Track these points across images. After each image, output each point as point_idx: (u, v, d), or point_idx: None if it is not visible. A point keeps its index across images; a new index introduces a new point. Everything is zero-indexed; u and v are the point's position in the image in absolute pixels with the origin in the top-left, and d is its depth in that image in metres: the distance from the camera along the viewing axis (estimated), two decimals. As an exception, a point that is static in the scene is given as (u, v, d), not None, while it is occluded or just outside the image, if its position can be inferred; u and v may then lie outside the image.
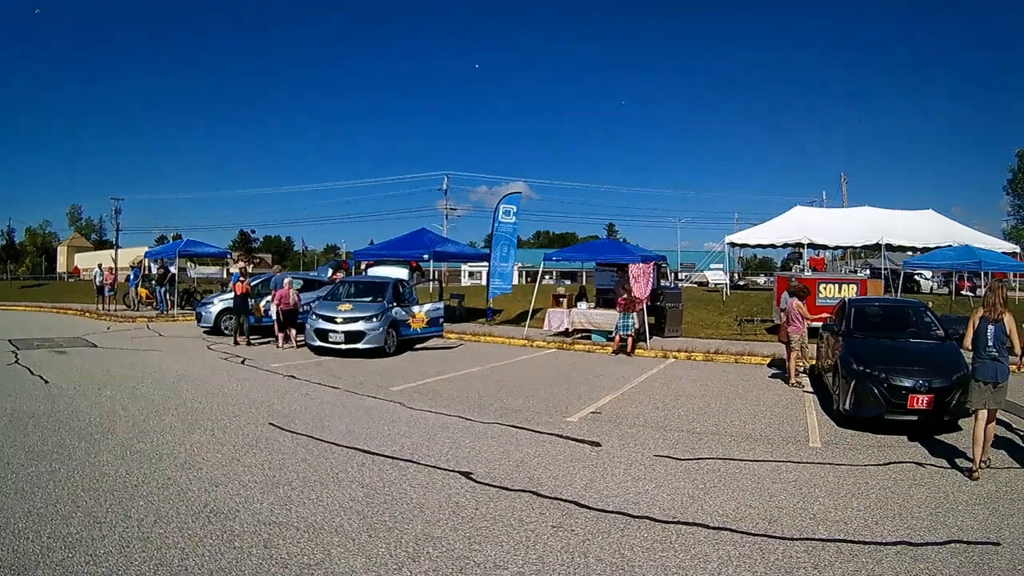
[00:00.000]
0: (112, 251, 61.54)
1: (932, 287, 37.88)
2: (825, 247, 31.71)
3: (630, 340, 15.78)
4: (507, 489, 6.06)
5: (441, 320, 17.94)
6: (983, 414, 6.77)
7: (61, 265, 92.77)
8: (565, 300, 19.13)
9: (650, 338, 16.92)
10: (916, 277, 28.07)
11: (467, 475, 6.46)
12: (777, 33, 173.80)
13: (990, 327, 6.83)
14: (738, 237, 30.32)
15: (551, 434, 8.04)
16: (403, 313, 16.46)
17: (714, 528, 5.25)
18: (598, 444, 7.70)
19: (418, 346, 16.86)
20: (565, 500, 5.80)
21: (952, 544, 5.00)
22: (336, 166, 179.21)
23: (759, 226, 30.72)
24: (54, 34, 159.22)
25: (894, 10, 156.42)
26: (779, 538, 5.07)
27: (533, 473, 6.59)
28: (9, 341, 16.60)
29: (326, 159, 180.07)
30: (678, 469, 6.87)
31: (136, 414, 8.91)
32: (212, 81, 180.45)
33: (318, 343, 15.13)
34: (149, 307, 27.10)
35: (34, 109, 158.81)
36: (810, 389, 11.59)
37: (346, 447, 7.44)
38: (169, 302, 25.94)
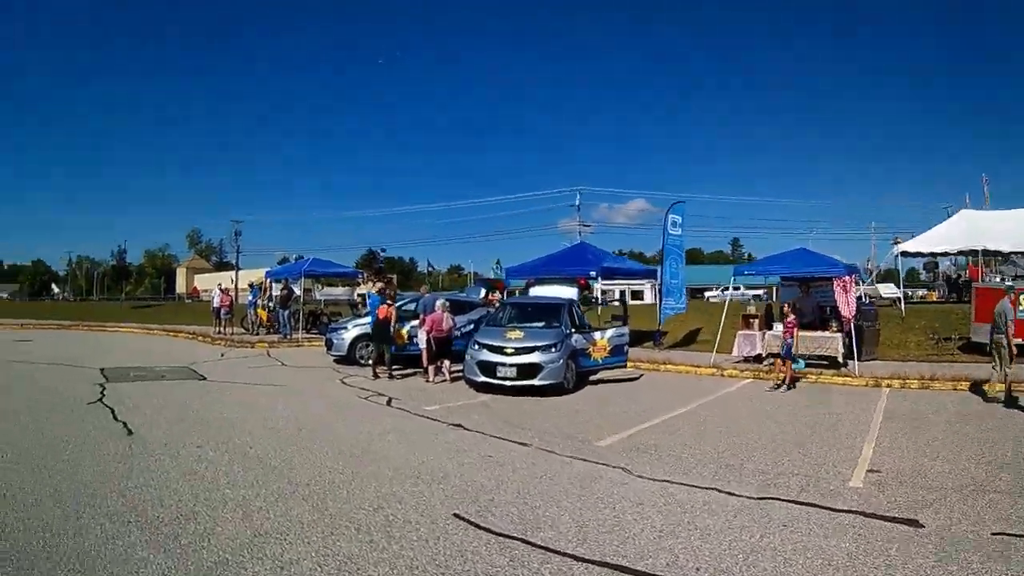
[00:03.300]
0: (232, 272, 63.29)
1: None
2: (999, 253, 29.66)
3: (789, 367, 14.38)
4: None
5: (626, 348, 15.93)
6: None
7: (180, 286, 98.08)
8: (756, 321, 18.02)
9: (849, 362, 15.69)
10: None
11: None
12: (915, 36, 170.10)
13: None
14: (910, 245, 28.69)
15: (848, 511, 6.11)
16: (583, 340, 14.57)
17: None
18: (916, 523, 5.82)
19: (593, 378, 14.82)
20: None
21: None
22: (455, 185, 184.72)
23: (927, 233, 28.93)
24: (170, 61, 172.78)
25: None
26: None
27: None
28: (100, 371, 15.19)
29: (445, 178, 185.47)
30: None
31: (248, 497, 6.21)
32: (332, 100, 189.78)
33: (482, 378, 13.25)
34: (270, 331, 26.26)
35: (155, 134, 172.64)
36: None
37: (591, 562, 4.86)
38: (293, 326, 24.96)
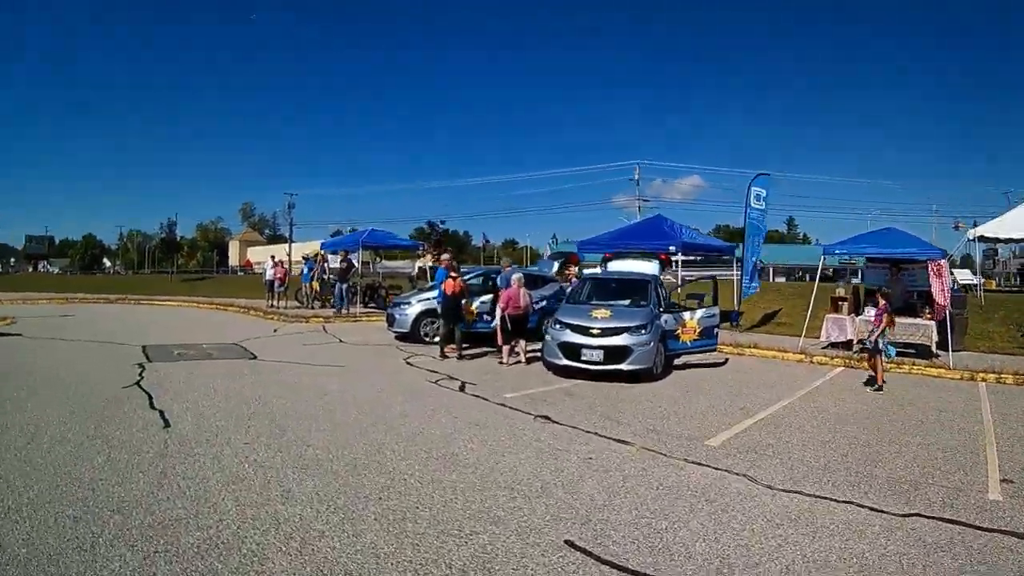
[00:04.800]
0: (286, 245, 63.63)
1: None
2: None
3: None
4: None
5: (716, 331, 15.08)
6: None
7: (233, 259, 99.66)
8: (846, 305, 17.57)
9: (941, 353, 15.33)
10: None
11: None
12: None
13: None
14: (987, 230, 26.63)
15: (999, 531, 5.56)
16: (672, 321, 13.80)
17: None
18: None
19: (677, 362, 14.18)
20: None
21: None
22: (509, 159, 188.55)
23: (1004, 216, 27.15)
24: (224, 35, 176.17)
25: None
26: None
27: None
28: (141, 349, 14.42)
29: (499, 151, 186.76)
30: None
31: (306, 516, 5.14)
32: (383, 74, 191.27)
33: (564, 361, 12.46)
34: (325, 304, 26.00)
35: (206, 109, 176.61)
36: None
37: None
38: (350, 300, 24.59)
